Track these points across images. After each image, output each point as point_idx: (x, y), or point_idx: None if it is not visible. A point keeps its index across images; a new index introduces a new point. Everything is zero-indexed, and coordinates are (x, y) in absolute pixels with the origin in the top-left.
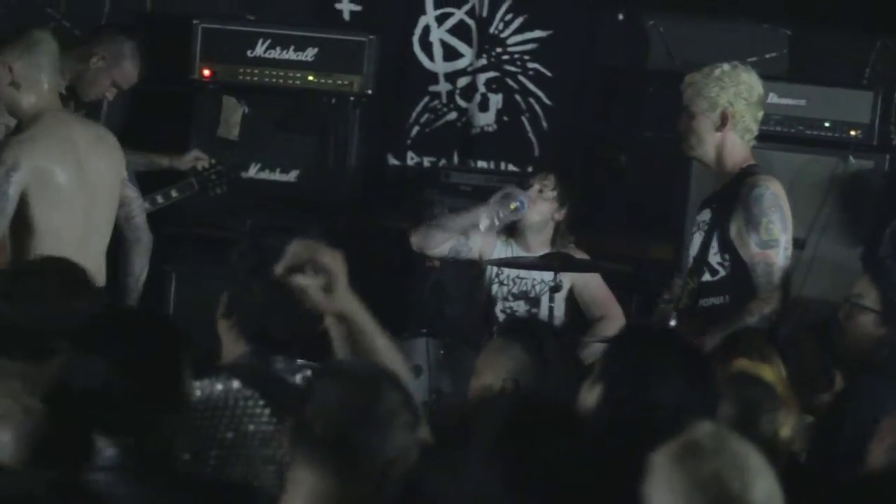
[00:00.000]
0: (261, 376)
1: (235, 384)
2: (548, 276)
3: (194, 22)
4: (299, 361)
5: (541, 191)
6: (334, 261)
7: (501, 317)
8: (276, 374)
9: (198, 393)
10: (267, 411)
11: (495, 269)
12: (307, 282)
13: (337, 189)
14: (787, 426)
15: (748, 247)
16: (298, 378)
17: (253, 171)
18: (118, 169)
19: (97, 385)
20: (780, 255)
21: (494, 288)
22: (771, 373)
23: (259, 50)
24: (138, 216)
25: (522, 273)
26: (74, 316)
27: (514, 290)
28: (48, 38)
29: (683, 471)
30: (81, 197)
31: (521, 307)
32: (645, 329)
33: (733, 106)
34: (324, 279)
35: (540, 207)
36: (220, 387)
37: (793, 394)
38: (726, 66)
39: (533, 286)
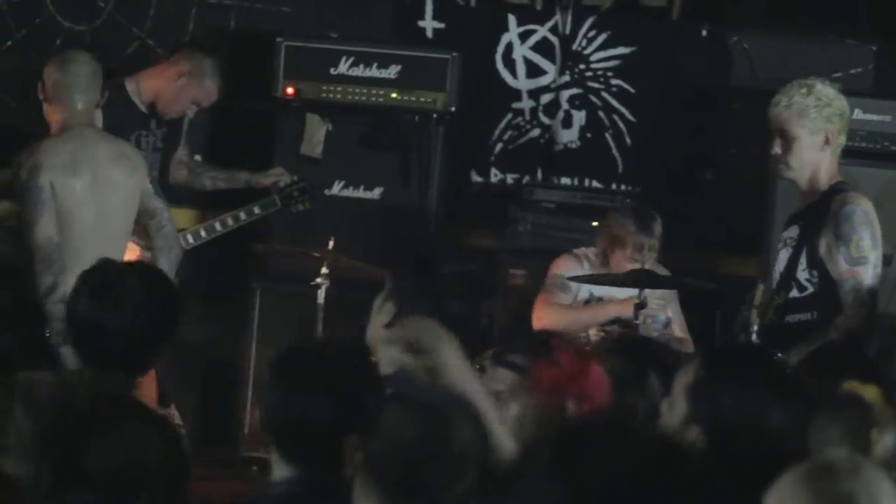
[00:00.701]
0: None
1: None
2: (633, 294)
3: (278, 40)
4: None
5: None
6: (444, 348)
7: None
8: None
9: None
10: None
11: (588, 294)
12: (410, 362)
13: (420, 206)
14: (888, 445)
15: (837, 263)
16: None
17: (336, 189)
18: (138, 183)
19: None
20: (869, 273)
21: None
22: (874, 392)
23: (342, 67)
24: (168, 226)
25: (615, 295)
26: (167, 325)
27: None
28: (84, 58)
29: (817, 490)
30: (92, 207)
31: (615, 329)
32: (736, 353)
33: (834, 125)
34: (427, 363)
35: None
36: None
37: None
38: (819, 85)
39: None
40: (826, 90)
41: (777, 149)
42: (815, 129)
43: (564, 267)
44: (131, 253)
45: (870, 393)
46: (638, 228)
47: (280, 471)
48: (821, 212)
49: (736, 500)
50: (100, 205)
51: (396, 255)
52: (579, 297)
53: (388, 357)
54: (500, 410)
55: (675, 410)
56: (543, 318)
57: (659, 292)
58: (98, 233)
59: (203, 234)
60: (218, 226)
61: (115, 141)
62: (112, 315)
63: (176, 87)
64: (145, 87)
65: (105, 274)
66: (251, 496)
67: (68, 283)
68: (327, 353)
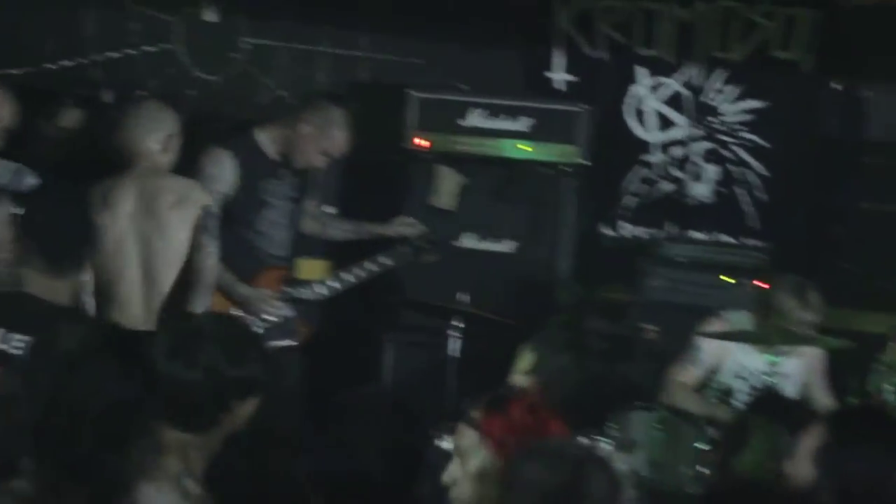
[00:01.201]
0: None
1: None
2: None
3: (409, 91)
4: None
5: None
6: None
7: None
8: None
9: None
10: None
11: (738, 366)
12: None
13: (551, 259)
14: None
15: None
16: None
17: (467, 241)
18: (192, 216)
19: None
20: None
21: (736, 383)
22: None
23: (473, 119)
24: (207, 263)
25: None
26: (241, 381)
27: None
28: (153, 104)
29: None
30: (141, 241)
31: None
32: (861, 416)
33: None
34: None
35: None
36: None
37: None
38: None
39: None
40: None
41: None
42: None
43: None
44: (222, 303)
45: None
46: (801, 306)
47: None
48: None
49: None
50: (149, 239)
51: (542, 308)
52: (731, 371)
53: None
54: (462, 465)
55: (800, 472)
56: (672, 392)
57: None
58: (148, 266)
59: (334, 285)
60: (348, 277)
61: (175, 178)
62: (186, 373)
63: (305, 137)
64: (275, 137)
65: (181, 330)
66: None
67: (122, 315)
68: (376, 406)
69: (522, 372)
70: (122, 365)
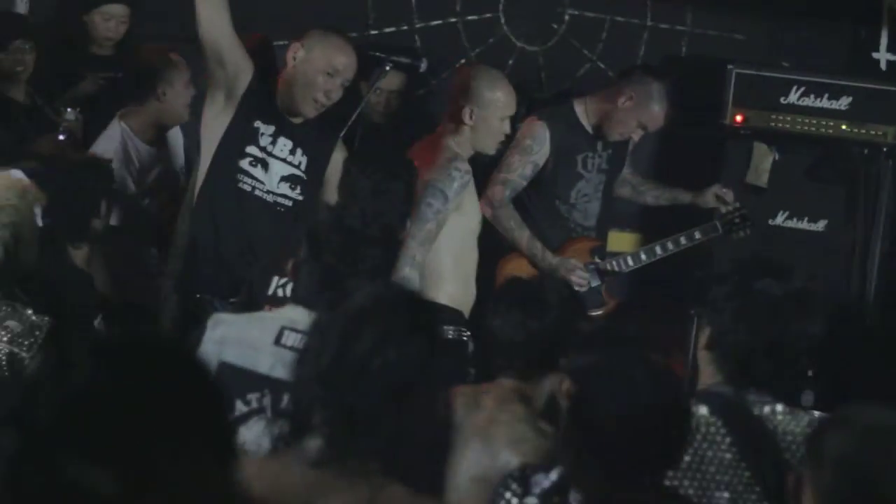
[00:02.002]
0: (729, 405)
1: (702, 410)
2: None
3: (728, 67)
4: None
5: None
6: None
7: None
8: (745, 404)
9: None
10: (728, 440)
11: None
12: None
13: (865, 241)
14: None
15: None
16: (766, 410)
17: (780, 219)
18: None
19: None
20: None
21: None
22: None
23: (792, 97)
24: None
25: None
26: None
27: None
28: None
29: None
30: None
31: None
32: None
33: None
34: None
35: None
36: None
37: None
38: None
39: None
40: None
41: None
42: None
43: None
44: (529, 271)
45: None
46: None
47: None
48: None
49: None
50: None
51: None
52: None
53: (704, 378)
54: None
55: None
56: None
57: None
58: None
59: (643, 257)
60: (658, 249)
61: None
62: (532, 323)
63: (622, 109)
64: (593, 109)
65: (521, 286)
66: None
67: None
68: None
69: (701, 347)
70: (409, 323)
